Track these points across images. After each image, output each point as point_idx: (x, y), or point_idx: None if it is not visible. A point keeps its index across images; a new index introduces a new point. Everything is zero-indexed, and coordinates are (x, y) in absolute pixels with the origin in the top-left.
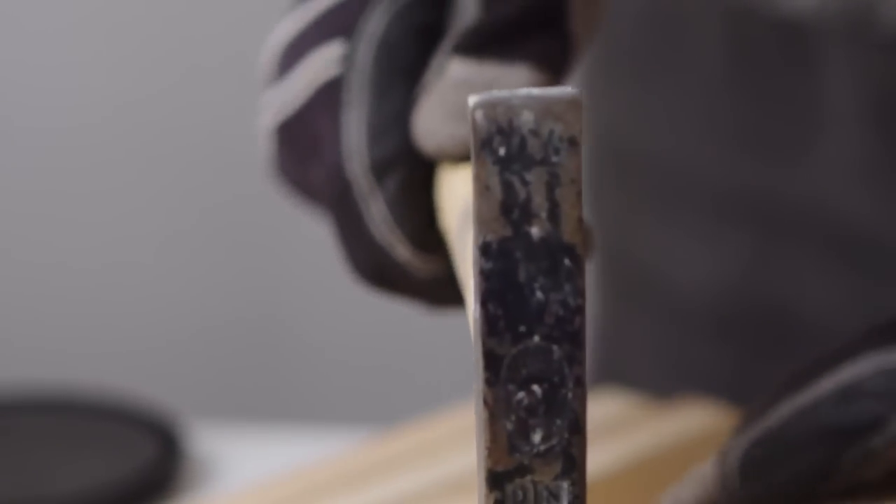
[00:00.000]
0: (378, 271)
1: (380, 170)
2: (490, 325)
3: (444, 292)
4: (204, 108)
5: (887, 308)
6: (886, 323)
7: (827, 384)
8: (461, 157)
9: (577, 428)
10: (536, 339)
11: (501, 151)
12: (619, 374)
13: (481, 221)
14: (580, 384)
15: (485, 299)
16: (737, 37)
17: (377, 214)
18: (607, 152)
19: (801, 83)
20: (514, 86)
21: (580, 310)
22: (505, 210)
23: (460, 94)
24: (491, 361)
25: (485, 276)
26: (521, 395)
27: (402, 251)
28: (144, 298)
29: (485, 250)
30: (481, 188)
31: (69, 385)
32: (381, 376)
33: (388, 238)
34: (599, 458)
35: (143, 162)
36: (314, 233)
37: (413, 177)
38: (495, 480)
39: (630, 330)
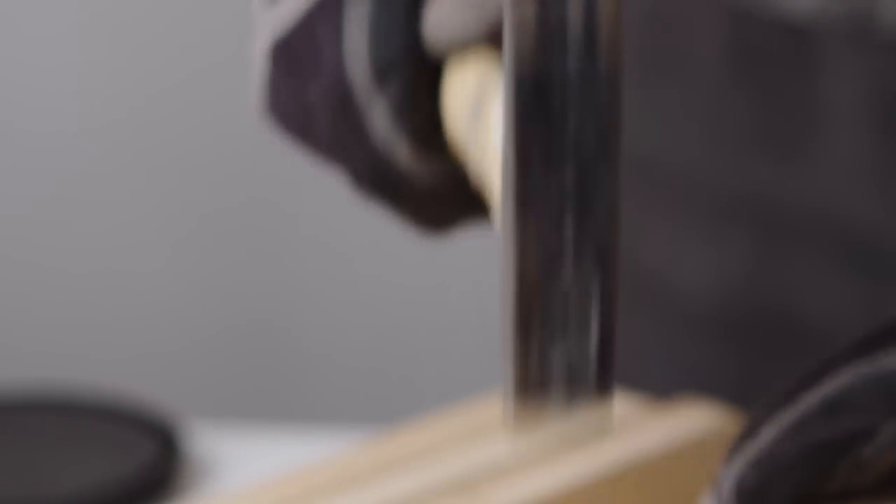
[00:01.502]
0: (378, 179)
1: (382, 71)
2: (522, 161)
3: (443, 205)
4: (204, 114)
5: (890, 311)
6: (868, 334)
7: (812, 399)
8: (472, 44)
9: (608, 256)
10: (570, 170)
11: None
12: (622, 376)
13: (516, 54)
14: (614, 216)
15: (519, 135)
16: (739, 39)
17: (379, 118)
18: None
19: (803, 85)
20: None
21: (615, 127)
22: (541, 42)
23: None
24: (521, 195)
25: (520, 111)
26: (553, 182)
27: (404, 155)
28: (144, 300)
29: (520, 84)
30: (517, 21)
31: (69, 386)
32: (380, 377)
33: (390, 142)
34: (600, 459)
35: (141, 166)
36: (314, 234)
37: (417, 79)
38: (526, 280)
39: (633, 332)
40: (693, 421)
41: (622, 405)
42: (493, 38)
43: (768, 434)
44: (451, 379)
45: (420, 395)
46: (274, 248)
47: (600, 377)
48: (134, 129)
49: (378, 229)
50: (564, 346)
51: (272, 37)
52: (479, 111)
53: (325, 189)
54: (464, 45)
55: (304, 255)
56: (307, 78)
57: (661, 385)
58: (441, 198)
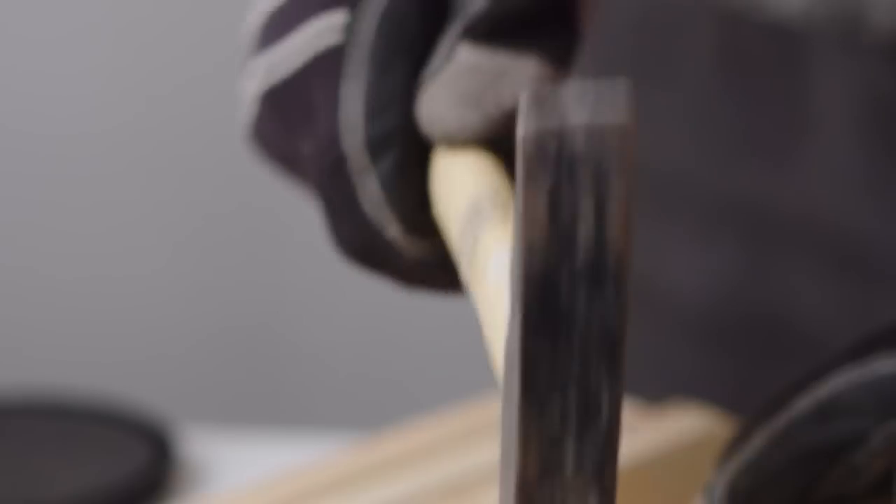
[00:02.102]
0: (365, 249)
1: (376, 146)
2: (530, 355)
3: (430, 275)
4: (201, 118)
5: (880, 315)
6: (859, 339)
7: (803, 404)
8: (467, 143)
9: (612, 436)
10: (577, 361)
11: (550, 179)
12: None
13: (525, 245)
14: (617, 395)
15: (526, 329)
16: (729, 44)
17: (370, 191)
18: None
19: (793, 89)
20: (523, 76)
21: (621, 328)
22: (552, 235)
23: (470, 80)
24: (528, 367)
25: (528, 305)
26: (556, 400)
27: (393, 231)
28: (138, 304)
29: (529, 281)
30: (529, 214)
31: (62, 389)
32: (371, 381)
33: (379, 216)
34: None
35: (139, 171)
36: (306, 238)
37: (409, 156)
38: (524, 487)
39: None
40: (684, 425)
41: None
42: (489, 139)
43: (760, 439)
44: (443, 382)
45: (412, 399)
46: (267, 254)
47: None
48: (131, 133)
49: None
50: None
51: (264, 83)
52: (474, 225)
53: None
54: (458, 142)
55: (296, 260)
56: (299, 131)
57: (653, 389)
58: (430, 268)
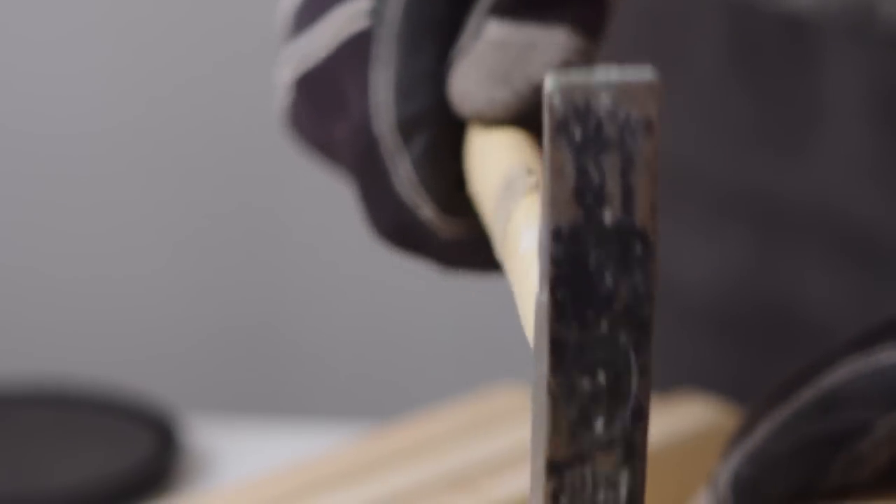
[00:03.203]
0: (401, 231)
1: (408, 128)
2: (558, 311)
3: (465, 255)
4: (201, 118)
5: (890, 306)
6: (865, 330)
7: (808, 394)
8: (498, 120)
9: (641, 416)
10: (604, 326)
11: (577, 135)
12: None
13: (554, 205)
14: (646, 372)
15: (553, 285)
16: (739, 34)
17: (403, 173)
18: None
19: (803, 80)
20: (552, 48)
21: (650, 297)
22: (578, 195)
23: (498, 55)
24: (556, 347)
25: (555, 262)
26: (585, 381)
27: (427, 212)
28: (142, 294)
29: (556, 235)
30: (555, 172)
31: (67, 379)
32: (377, 372)
33: (413, 198)
34: None
35: (140, 170)
36: (311, 231)
37: (441, 136)
38: (554, 469)
39: None
40: (691, 416)
41: None
42: (520, 116)
43: (764, 429)
44: (448, 374)
45: (417, 391)
46: (271, 247)
47: None
48: (132, 133)
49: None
50: None
51: (297, 70)
52: (507, 201)
53: (319, 192)
54: (489, 119)
55: (300, 253)
56: (332, 117)
57: (661, 380)
58: (466, 248)
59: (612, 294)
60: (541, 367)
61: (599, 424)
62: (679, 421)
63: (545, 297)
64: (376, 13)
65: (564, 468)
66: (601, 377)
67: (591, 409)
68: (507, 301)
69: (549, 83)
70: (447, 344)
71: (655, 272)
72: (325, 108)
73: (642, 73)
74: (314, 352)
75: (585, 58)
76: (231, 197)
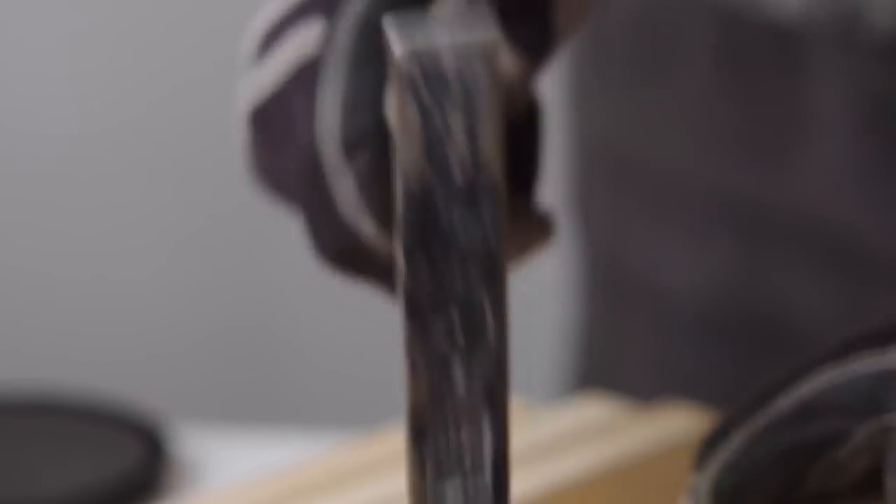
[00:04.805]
0: (345, 253)
1: (351, 146)
2: (412, 272)
3: None
4: (201, 118)
5: (878, 315)
6: (841, 341)
7: (784, 403)
8: None
9: (500, 360)
10: (457, 275)
11: (424, 95)
12: (608, 381)
13: (404, 168)
14: (500, 318)
15: (408, 246)
16: (726, 43)
17: (346, 192)
18: (598, 157)
19: (790, 89)
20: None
21: (499, 246)
22: (428, 155)
23: None
24: (412, 307)
25: (408, 223)
26: (440, 327)
27: (368, 230)
28: (131, 303)
29: (409, 196)
30: (405, 134)
31: (56, 387)
32: (365, 379)
33: (355, 217)
34: (582, 462)
35: (139, 170)
36: (300, 236)
37: (384, 155)
38: (417, 408)
39: (619, 336)
40: (675, 425)
41: (604, 409)
42: None
43: (741, 438)
44: None
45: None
46: (260, 253)
47: None
48: (131, 133)
49: None
50: (458, 478)
51: (250, 102)
52: None
53: None
54: None
55: (290, 258)
56: (282, 146)
57: (647, 389)
58: None
59: (464, 246)
60: (403, 323)
61: (458, 365)
62: (662, 430)
63: (401, 258)
64: (327, 39)
65: (425, 409)
66: (456, 317)
67: (448, 349)
68: None
69: (396, 47)
70: None
71: (502, 228)
72: (276, 138)
73: (483, 31)
74: (303, 359)
75: (526, 77)
76: (224, 204)
